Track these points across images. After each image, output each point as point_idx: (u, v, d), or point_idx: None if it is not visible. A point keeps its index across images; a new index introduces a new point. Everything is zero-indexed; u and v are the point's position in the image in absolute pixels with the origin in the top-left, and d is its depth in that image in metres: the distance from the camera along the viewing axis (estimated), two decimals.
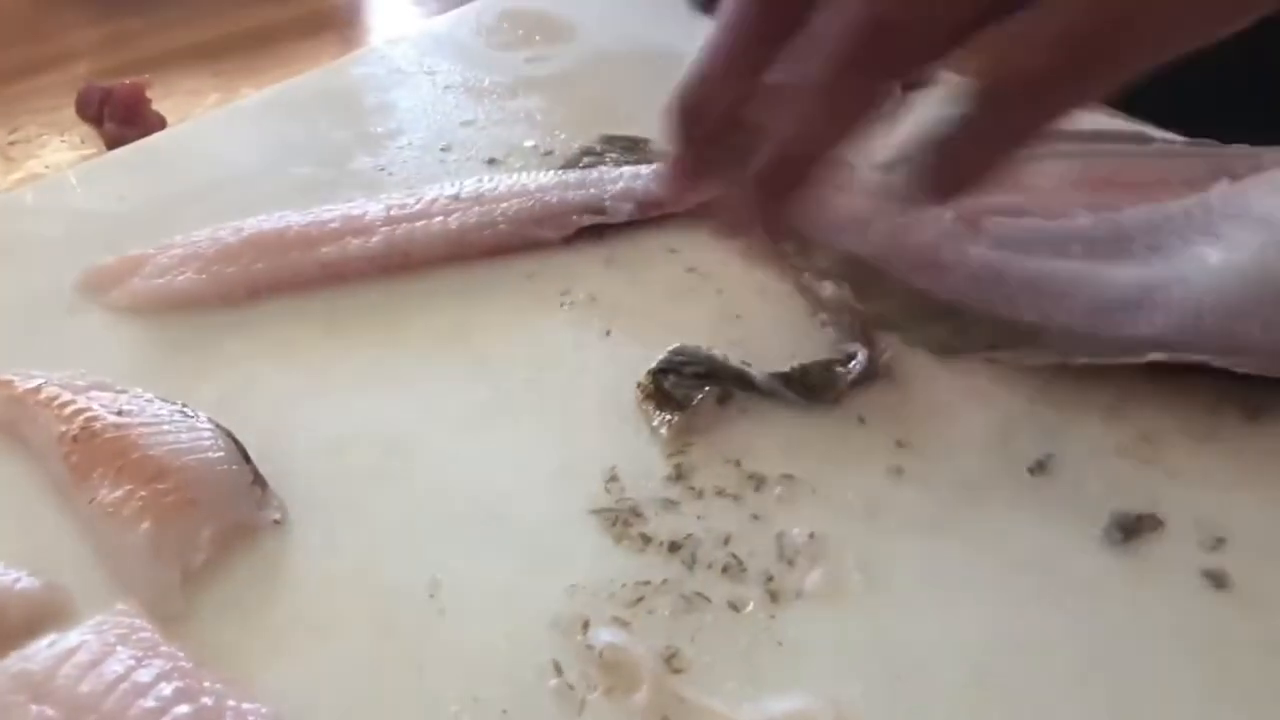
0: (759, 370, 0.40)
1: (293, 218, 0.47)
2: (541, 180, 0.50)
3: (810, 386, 0.40)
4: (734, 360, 0.41)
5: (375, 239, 0.47)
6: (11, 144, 0.58)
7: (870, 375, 0.41)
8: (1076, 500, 0.36)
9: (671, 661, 0.31)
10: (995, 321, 0.43)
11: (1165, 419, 0.40)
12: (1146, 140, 0.51)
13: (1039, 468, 0.38)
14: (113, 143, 0.58)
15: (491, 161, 0.55)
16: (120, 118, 0.58)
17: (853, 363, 0.41)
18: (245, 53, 0.69)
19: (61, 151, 0.58)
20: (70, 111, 0.61)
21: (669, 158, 0.39)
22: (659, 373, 0.40)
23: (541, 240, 0.48)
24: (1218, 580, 0.34)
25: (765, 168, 0.35)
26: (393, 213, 0.48)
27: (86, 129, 0.60)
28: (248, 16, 0.74)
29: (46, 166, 0.57)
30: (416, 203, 0.48)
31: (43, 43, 0.70)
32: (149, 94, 0.60)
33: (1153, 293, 0.42)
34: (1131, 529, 0.35)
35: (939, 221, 0.45)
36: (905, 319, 0.44)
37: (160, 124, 0.59)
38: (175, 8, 0.75)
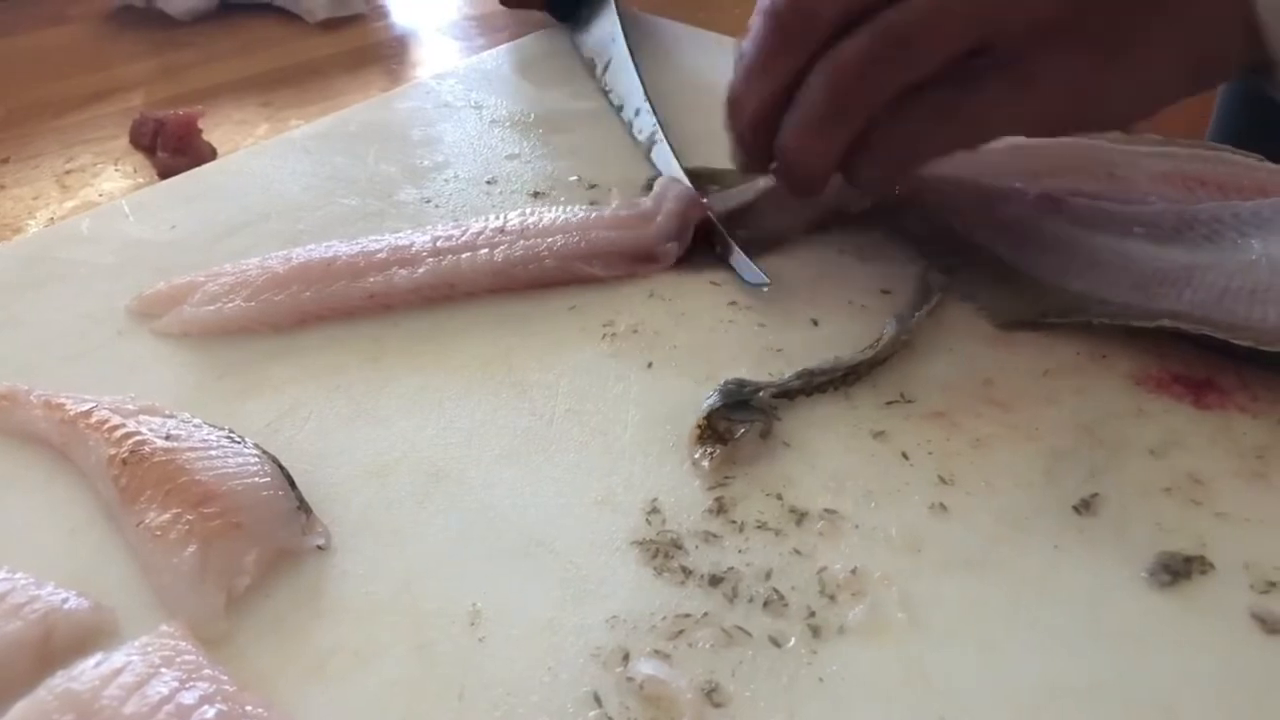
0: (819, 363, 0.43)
1: (340, 248, 0.48)
2: (587, 217, 0.50)
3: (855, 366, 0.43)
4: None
5: (421, 270, 0.47)
6: (67, 173, 0.59)
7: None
8: (1123, 540, 0.36)
9: (712, 695, 0.31)
10: (1051, 290, 0.46)
11: (1214, 459, 0.39)
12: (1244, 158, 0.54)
13: (1085, 506, 0.37)
14: (165, 172, 0.59)
15: (536, 195, 0.55)
16: (172, 147, 0.59)
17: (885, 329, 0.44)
18: (294, 85, 0.70)
19: (115, 180, 0.59)
20: (124, 141, 0.62)
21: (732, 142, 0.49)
22: (716, 410, 0.40)
23: (588, 276, 0.48)
24: (1269, 624, 0.33)
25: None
26: (439, 244, 0.48)
27: (140, 158, 0.61)
28: (297, 50, 0.75)
29: (101, 195, 0.57)
30: (463, 235, 0.49)
31: (98, 74, 0.72)
32: (200, 124, 0.61)
33: (1191, 272, 0.45)
34: (1179, 571, 0.35)
35: (1028, 197, 0.49)
36: (977, 284, 0.48)
37: (211, 154, 0.60)
38: (227, 41, 0.77)
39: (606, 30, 0.70)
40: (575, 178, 0.57)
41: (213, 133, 0.62)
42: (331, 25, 0.79)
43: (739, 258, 0.49)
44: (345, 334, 0.45)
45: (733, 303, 0.47)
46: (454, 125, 0.62)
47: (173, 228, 0.52)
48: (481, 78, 0.68)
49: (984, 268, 0.48)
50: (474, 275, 0.47)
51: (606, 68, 0.67)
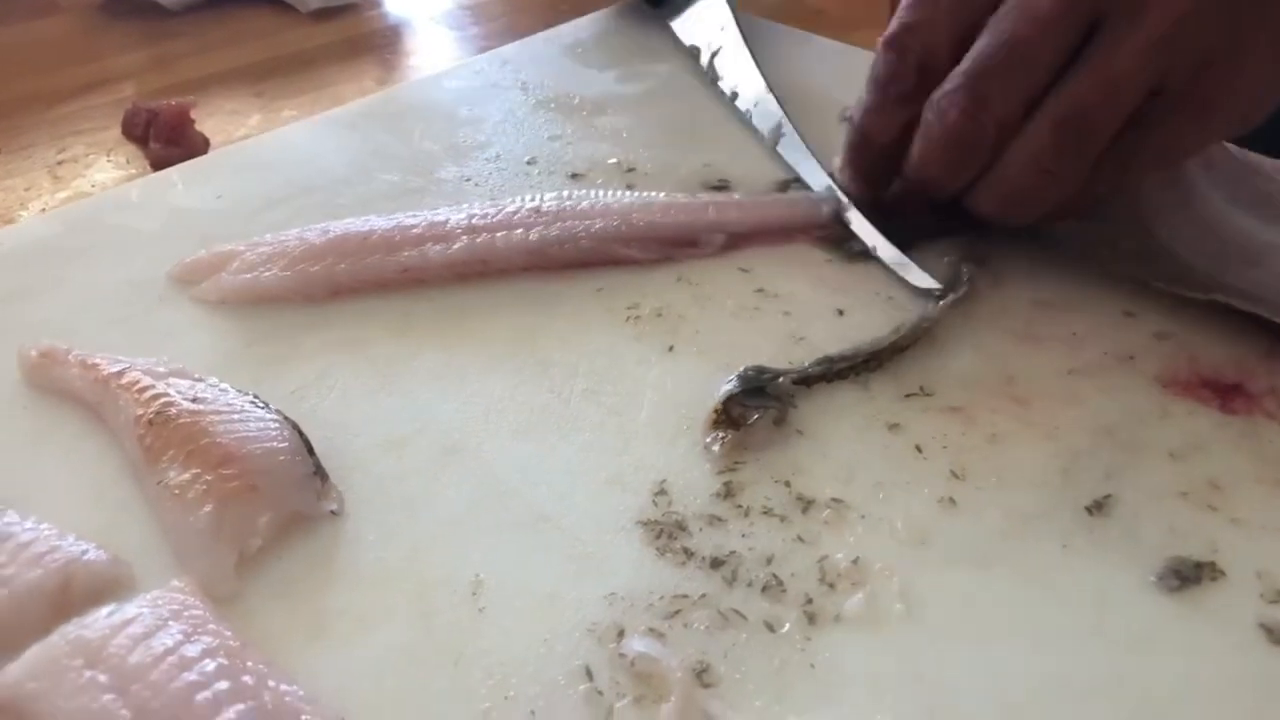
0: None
1: (377, 222, 0.49)
2: (625, 201, 0.51)
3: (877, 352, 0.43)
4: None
5: (455, 246, 0.48)
6: (60, 164, 0.60)
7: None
8: (1133, 543, 0.36)
9: (702, 676, 0.31)
10: (1135, 229, 0.46)
11: (1235, 465, 0.38)
12: None
13: (1097, 507, 0.37)
14: (158, 163, 0.59)
15: (575, 176, 0.56)
16: (165, 138, 0.60)
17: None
18: (286, 75, 0.71)
19: (108, 171, 0.59)
20: (116, 132, 0.63)
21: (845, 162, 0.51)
22: (732, 396, 0.40)
23: (623, 258, 0.49)
24: (1276, 634, 0.33)
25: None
26: (474, 222, 0.49)
27: (132, 149, 0.62)
28: (289, 41, 0.76)
29: (93, 186, 0.58)
30: (498, 213, 0.49)
31: (90, 65, 0.72)
32: (193, 115, 0.62)
33: (1267, 252, 0.44)
34: (1189, 576, 0.34)
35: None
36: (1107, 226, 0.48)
37: (204, 145, 0.61)
38: (218, 31, 0.77)
39: (710, 15, 0.69)
40: (614, 160, 0.57)
41: (205, 123, 0.63)
42: (324, 15, 0.79)
43: (902, 261, 0.48)
44: (377, 307, 0.46)
45: (759, 290, 0.47)
46: (500, 105, 0.63)
47: (219, 197, 0.53)
48: (531, 59, 0.68)
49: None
50: (508, 254, 0.48)
51: (715, 55, 0.66)
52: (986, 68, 0.43)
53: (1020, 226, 0.47)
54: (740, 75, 0.64)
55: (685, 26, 0.70)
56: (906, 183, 0.48)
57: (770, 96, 0.60)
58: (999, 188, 0.45)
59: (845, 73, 0.50)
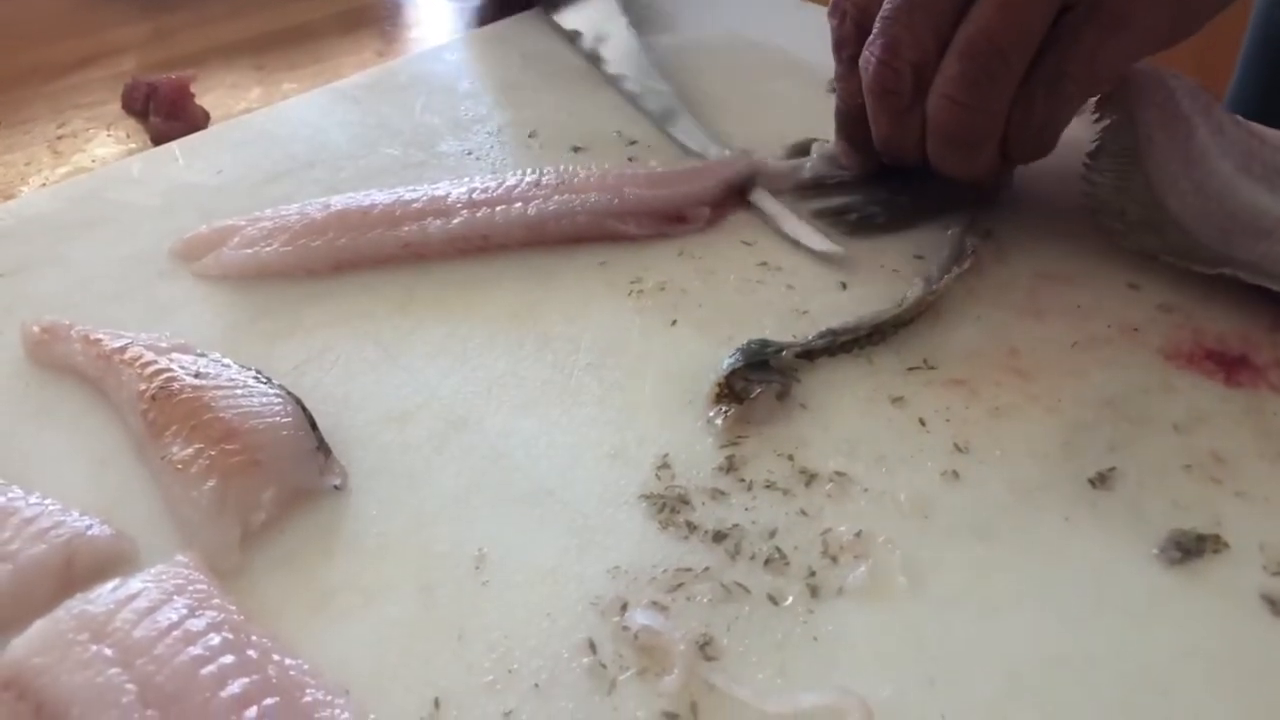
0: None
1: (378, 196, 0.49)
2: (623, 174, 0.50)
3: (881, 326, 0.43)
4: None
5: (456, 221, 0.48)
6: (59, 138, 0.59)
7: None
8: (1136, 516, 0.36)
9: (705, 649, 0.31)
10: (1144, 199, 0.46)
11: (1239, 437, 0.38)
12: None
13: (1100, 480, 0.37)
14: (158, 137, 0.59)
15: (577, 149, 0.56)
16: (165, 112, 0.60)
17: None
18: (286, 48, 0.70)
19: (108, 145, 0.59)
20: (116, 106, 0.63)
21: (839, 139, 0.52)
22: (736, 370, 0.40)
23: (621, 233, 0.49)
24: (1278, 606, 0.33)
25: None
26: (475, 196, 0.49)
27: (132, 123, 0.62)
28: (289, 13, 0.75)
29: (94, 160, 0.58)
30: (498, 187, 0.49)
31: (89, 39, 0.71)
32: (193, 88, 0.61)
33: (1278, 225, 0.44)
34: (1191, 548, 0.34)
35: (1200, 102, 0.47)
36: (1116, 196, 0.46)
37: (204, 118, 0.61)
38: (218, 4, 0.76)
39: (595, 7, 0.68)
40: (616, 133, 0.57)
41: (205, 97, 0.62)
42: None
43: (800, 228, 0.48)
44: (378, 281, 0.46)
45: (762, 263, 0.47)
46: (501, 77, 0.62)
47: (220, 172, 0.53)
48: (533, 29, 0.68)
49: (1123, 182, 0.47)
50: (507, 228, 0.48)
51: (599, 41, 0.65)
52: (894, 13, 0.44)
53: (980, 178, 0.48)
54: (624, 56, 0.63)
55: (571, 14, 0.69)
56: (880, 150, 0.49)
57: (655, 76, 0.60)
58: (930, 133, 0.46)
59: None
